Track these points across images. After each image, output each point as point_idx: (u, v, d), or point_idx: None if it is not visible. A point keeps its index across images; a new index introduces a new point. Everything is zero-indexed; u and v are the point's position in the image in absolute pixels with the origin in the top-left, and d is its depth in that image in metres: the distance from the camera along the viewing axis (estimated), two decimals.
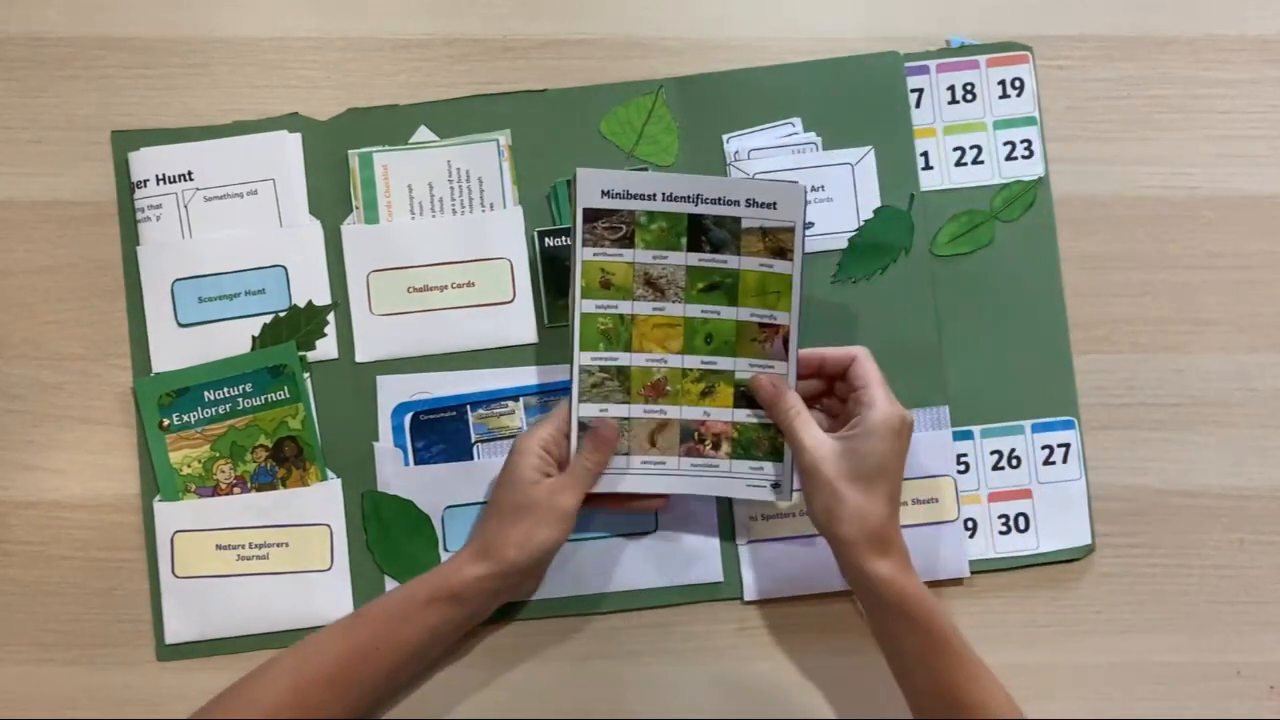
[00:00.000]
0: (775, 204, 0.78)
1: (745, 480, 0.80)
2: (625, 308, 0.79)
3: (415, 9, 0.87)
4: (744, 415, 0.80)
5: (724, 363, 0.80)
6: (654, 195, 0.78)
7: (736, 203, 0.78)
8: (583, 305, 0.78)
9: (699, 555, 0.84)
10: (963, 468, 0.85)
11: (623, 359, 0.79)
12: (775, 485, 0.80)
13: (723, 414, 0.80)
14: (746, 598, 0.84)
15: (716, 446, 0.80)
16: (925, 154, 0.86)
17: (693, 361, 0.80)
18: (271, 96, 0.86)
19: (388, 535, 0.84)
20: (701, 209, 0.78)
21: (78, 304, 0.85)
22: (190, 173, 0.85)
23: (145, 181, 0.85)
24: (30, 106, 0.86)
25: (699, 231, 0.79)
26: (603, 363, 0.79)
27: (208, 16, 0.87)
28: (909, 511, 0.83)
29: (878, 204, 0.86)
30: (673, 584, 0.84)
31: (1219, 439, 0.85)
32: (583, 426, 0.79)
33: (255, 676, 0.75)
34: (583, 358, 0.79)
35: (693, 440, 0.80)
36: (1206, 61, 0.88)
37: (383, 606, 0.78)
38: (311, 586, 0.83)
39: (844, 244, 0.85)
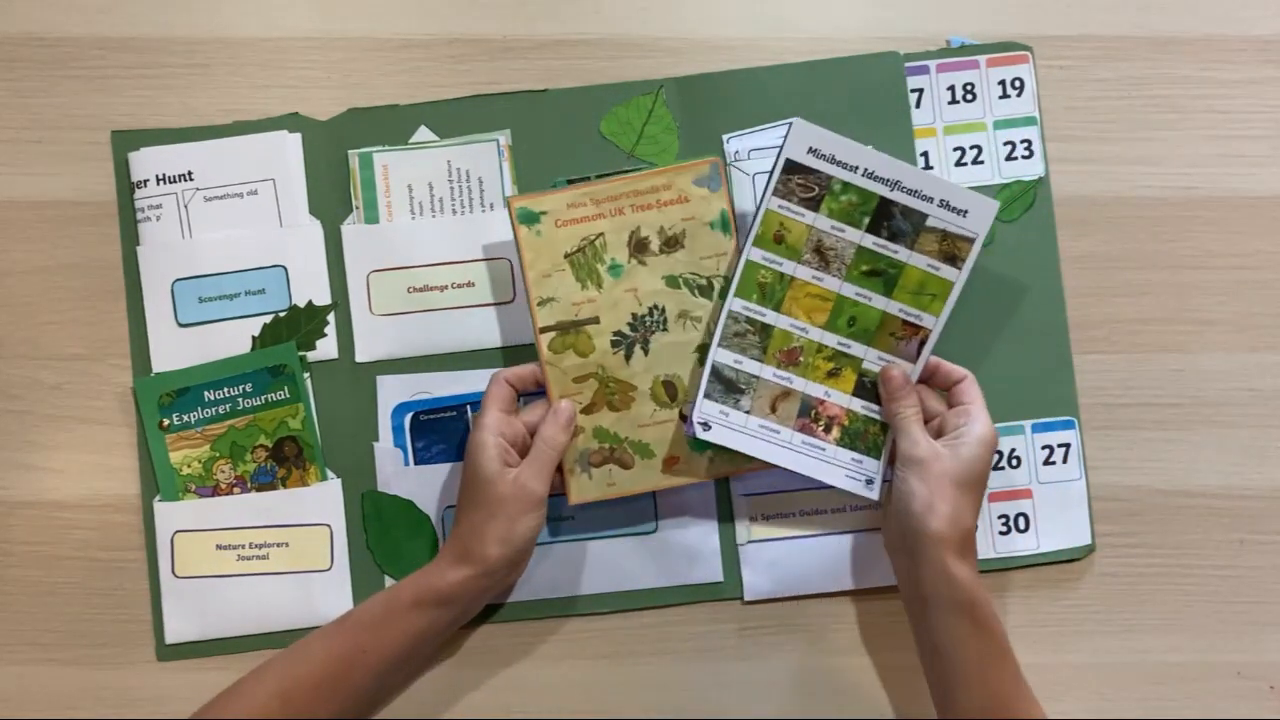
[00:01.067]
0: (966, 212, 0.79)
1: (846, 470, 0.81)
2: (789, 268, 0.79)
3: (415, 9, 0.87)
4: (859, 405, 0.81)
5: (857, 349, 0.80)
6: (856, 168, 0.79)
7: (930, 200, 0.79)
8: (750, 253, 0.79)
9: (699, 555, 0.84)
10: None
11: (770, 317, 0.80)
12: (869, 482, 0.81)
13: (841, 399, 0.81)
14: (746, 598, 0.84)
15: (828, 430, 0.81)
16: (925, 154, 0.86)
17: (830, 339, 0.80)
18: (271, 96, 0.86)
19: (388, 535, 0.84)
20: (895, 195, 0.79)
21: (78, 304, 0.85)
22: (190, 173, 0.85)
23: (145, 181, 0.85)
24: (30, 106, 0.86)
25: (884, 216, 0.79)
26: (751, 314, 0.79)
27: (208, 16, 0.87)
28: None
29: None
30: (673, 584, 0.84)
31: (1219, 439, 0.85)
32: (715, 373, 0.79)
33: (242, 684, 0.75)
34: (735, 303, 0.79)
35: (809, 417, 0.80)
36: (1206, 61, 0.88)
37: (368, 611, 0.77)
38: (311, 586, 0.83)
39: None
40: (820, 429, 0.81)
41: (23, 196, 0.86)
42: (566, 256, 0.80)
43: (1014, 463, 0.85)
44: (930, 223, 0.79)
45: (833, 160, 0.79)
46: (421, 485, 0.84)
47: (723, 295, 0.80)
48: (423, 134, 0.86)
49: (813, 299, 0.80)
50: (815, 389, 0.80)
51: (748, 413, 0.80)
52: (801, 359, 0.80)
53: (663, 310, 0.81)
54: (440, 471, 0.84)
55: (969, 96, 0.87)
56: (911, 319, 0.80)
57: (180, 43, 0.87)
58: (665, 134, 0.86)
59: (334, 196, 0.85)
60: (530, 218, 0.80)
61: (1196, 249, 0.87)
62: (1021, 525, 0.85)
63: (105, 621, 0.83)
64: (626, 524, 0.84)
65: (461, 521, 0.78)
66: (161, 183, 0.85)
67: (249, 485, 0.84)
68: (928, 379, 0.81)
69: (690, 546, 0.84)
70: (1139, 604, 0.85)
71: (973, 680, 0.73)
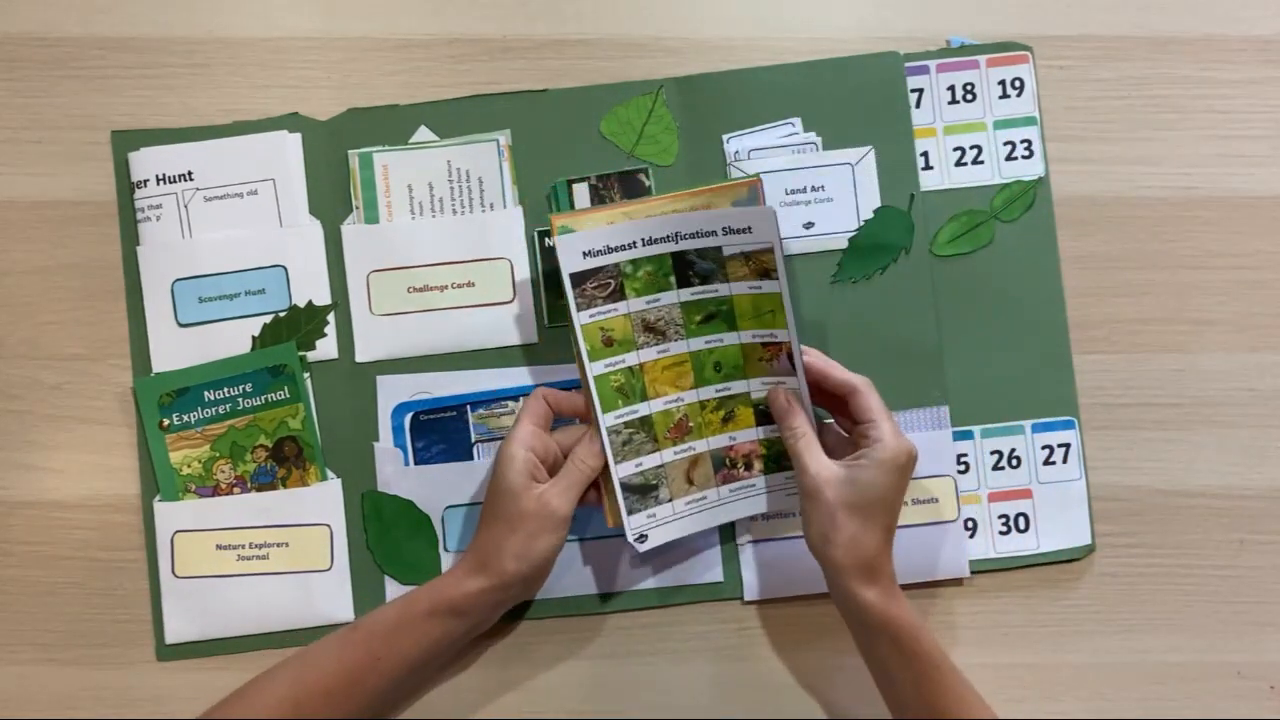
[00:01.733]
0: (749, 228, 0.78)
1: (784, 490, 0.81)
2: (632, 359, 0.79)
3: (415, 9, 0.87)
4: (767, 431, 0.81)
5: (738, 386, 0.80)
6: (634, 243, 0.78)
7: (714, 233, 0.78)
8: (592, 369, 0.78)
9: (699, 555, 0.84)
10: (963, 468, 0.85)
11: (642, 409, 0.79)
12: None
13: (747, 434, 0.81)
14: (746, 598, 0.84)
15: (749, 467, 0.81)
16: (925, 154, 0.86)
17: (708, 393, 0.80)
18: (271, 96, 0.86)
19: (388, 535, 0.84)
20: (682, 245, 0.78)
21: (78, 304, 0.85)
22: (190, 173, 0.85)
23: (145, 181, 0.85)
24: (30, 106, 0.86)
25: (685, 267, 0.79)
26: (626, 419, 0.79)
27: (208, 16, 0.87)
28: (909, 511, 0.83)
29: (878, 204, 0.86)
30: (673, 584, 0.84)
31: (1219, 439, 0.85)
32: (625, 487, 0.79)
33: (253, 687, 0.75)
34: (606, 420, 0.78)
35: (726, 467, 0.80)
36: (1206, 61, 0.88)
37: (382, 619, 0.77)
38: (311, 586, 0.83)
39: (844, 244, 0.85)
40: (742, 470, 0.81)
41: (23, 196, 0.86)
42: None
43: (1014, 463, 0.85)
44: (727, 251, 0.78)
45: (608, 250, 0.78)
46: (421, 485, 0.84)
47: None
48: (423, 134, 0.86)
49: (671, 370, 0.79)
50: (719, 440, 0.80)
51: (670, 500, 0.80)
52: (691, 424, 0.80)
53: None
54: (440, 471, 0.84)
55: (969, 96, 0.87)
56: (767, 339, 0.79)
57: (180, 43, 0.87)
58: (665, 134, 0.86)
59: (334, 196, 0.85)
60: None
61: (1196, 249, 0.87)
62: (1021, 525, 0.85)
63: (105, 621, 0.83)
64: None
65: (482, 532, 0.77)
66: (161, 183, 0.85)
67: (249, 485, 0.84)
68: (814, 386, 0.79)
69: (690, 546, 0.84)
70: (1139, 604, 0.84)
71: (904, 694, 0.74)
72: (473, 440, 0.84)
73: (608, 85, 0.86)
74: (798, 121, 0.86)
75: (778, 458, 0.81)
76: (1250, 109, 0.88)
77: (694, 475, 0.80)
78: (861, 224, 0.85)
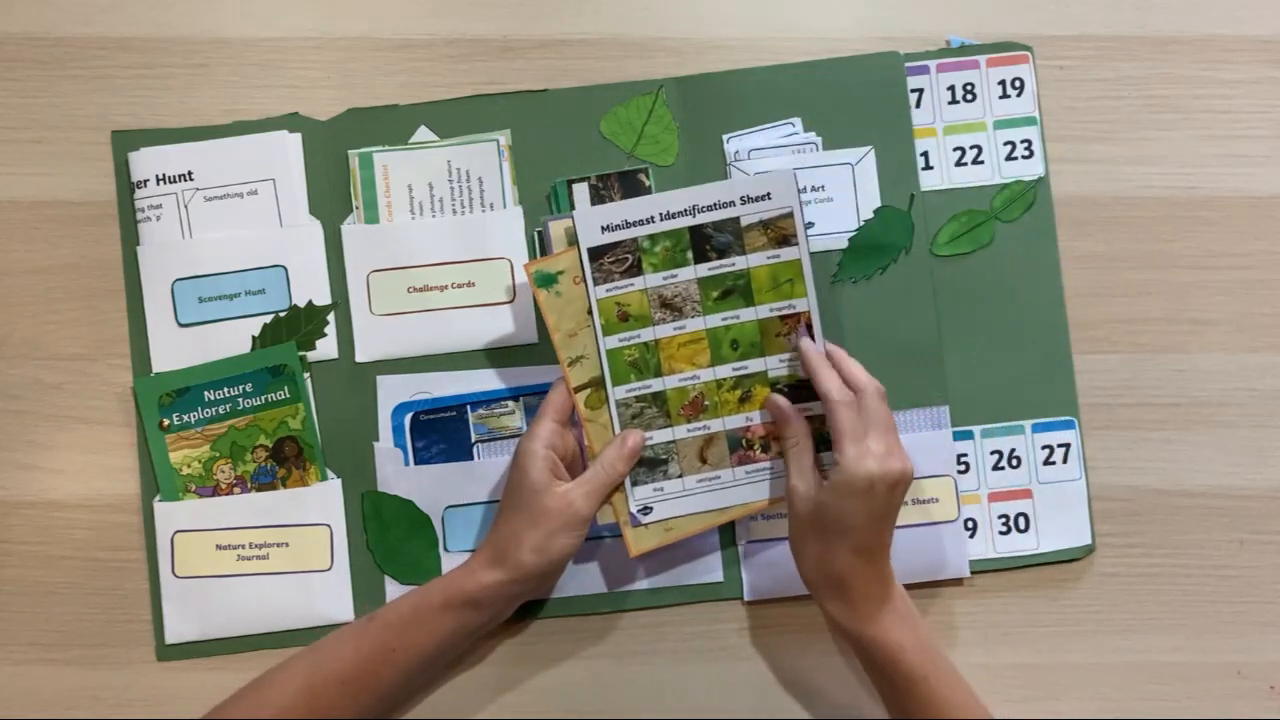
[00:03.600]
0: (769, 194, 0.79)
1: None
2: (647, 334, 0.79)
3: (415, 9, 0.87)
4: None
5: (755, 365, 0.80)
6: (652, 218, 0.78)
7: (732, 203, 0.79)
8: (606, 342, 0.78)
9: (699, 555, 0.84)
10: (963, 468, 0.85)
11: (655, 385, 0.79)
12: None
13: (765, 416, 0.80)
14: (746, 598, 0.84)
15: (766, 449, 0.80)
16: (925, 154, 0.86)
17: (724, 371, 0.80)
18: (271, 96, 0.86)
19: (388, 536, 0.84)
20: (700, 219, 0.79)
21: (78, 304, 0.85)
22: (190, 173, 0.85)
23: (145, 181, 0.85)
24: (30, 106, 0.86)
25: (702, 241, 0.79)
26: (637, 393, 0.79)
27: (208, 16, 0.87)
28: (909, 512, 0.83)
29: (878, 204, 0.86)
30: (673, 584, 0.84)
31: (1219, 439, 0.85)
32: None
33: (269, 677, 0.75)
34: (617, 392, 0.79)
35: (742, 448, 0.80)
36: (1206, 61, 0.88)
37: (397, 611, 0.77)
38: (311, 587, 0.83)
39: (844, 244, 0.85)
40: (758, 452, 0.80)
41: (23, 196, 0.86)
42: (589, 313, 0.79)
43: (1014, 463, 0.85)
44: (745, 221, 0.79)
45: (626, 225, 0.78)
46: (421, 485, 0.84)
47: (603, 387, 0.79)
48: (423, 134, 0.86)
49: (687, 347, 0.79)
50: (735, 420, 0.80)
51: (680, 476, 0.80)
52: (707, 402, 0.80)
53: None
54: (440, 471, 0.84)
55: (969, 96, 0.87)
56: (785, 311, 0.79)
57: (180, 43, 0.87)
58: (665, 134, 0.86)
59: (334, 196, 0.85)
60: (547, 280, 0.79)
61: (1196, 249, 0.87)
62: (1021, 525, 0.85)
63: (105, 621, 0.83)
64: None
65: (500, 525, 0.77)
66: (161, 183, 0.85)
67: (249, 485, 0.84)
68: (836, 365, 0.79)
69: (690, 546, 0.84)
70: (1139, 604, 0.84)
71: (892, 707, 0.76)
72: (473, 440, 0.84)
73: (608, 85, 0.86)
74: (798, 121, 0.86)
75: None
76: (1250, 109, 0.88)
77: (708, 454, 0.80)
78: (861, 224, 0.85)
